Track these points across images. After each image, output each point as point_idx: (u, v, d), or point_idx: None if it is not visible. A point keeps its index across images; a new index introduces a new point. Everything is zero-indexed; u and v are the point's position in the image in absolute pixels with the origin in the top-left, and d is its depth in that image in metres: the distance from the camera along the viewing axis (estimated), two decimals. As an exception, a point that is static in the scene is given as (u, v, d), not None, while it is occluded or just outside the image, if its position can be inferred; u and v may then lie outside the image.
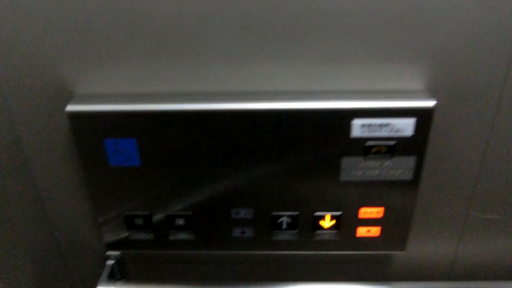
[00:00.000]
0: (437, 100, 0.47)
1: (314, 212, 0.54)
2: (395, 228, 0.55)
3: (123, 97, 0.49)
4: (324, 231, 0.56)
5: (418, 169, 0.50)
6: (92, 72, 0.48)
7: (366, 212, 0.54)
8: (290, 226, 0.56)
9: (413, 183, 0.51)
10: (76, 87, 0.49)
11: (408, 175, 0.51)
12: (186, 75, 0.48)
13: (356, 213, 0.54)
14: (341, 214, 0.54)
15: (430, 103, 0.46)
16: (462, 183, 0.55)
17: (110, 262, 0.64)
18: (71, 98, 0.49)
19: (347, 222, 0.55)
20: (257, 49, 0.46)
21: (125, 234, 0.58)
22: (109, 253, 0.64)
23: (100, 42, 0.46)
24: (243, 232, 0.57)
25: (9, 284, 0.53)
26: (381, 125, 0.47)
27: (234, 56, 0.47)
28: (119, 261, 0.65)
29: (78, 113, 0.47)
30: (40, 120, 0.51)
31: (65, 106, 0.47)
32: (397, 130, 0.47)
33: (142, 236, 0.58)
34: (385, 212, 0.54)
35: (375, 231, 0.56)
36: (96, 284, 0.60)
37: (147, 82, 0.49)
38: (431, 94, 0.47)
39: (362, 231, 0.56)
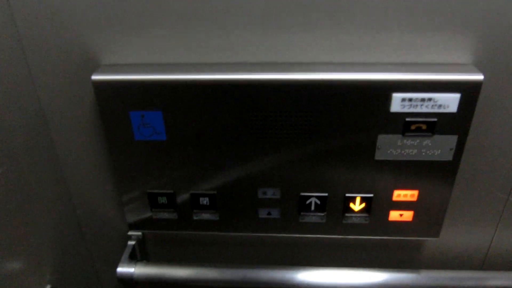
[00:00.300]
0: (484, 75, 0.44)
1: (345, 193, 0.52)
2: (430, 212, 0.53)
3: (151, 67, 0.47)
4: (354, 214, 0.53)
5: (459, 150, 0.47)
6: (119, 42, 0.46)
7: (400, 195, 0.51)
8: (319, 208, 0.53)
9: (453, 164, 0.48)
10: (102, 57, 0.47)
11: (447, 156, 0.48)
12: (214, 44, 0.46)
13: (389, 195, 0.52)
14: (373, 196, 0.52)
15: (478, 77, 0.43)
16: (503, 167, 0.52)
17: (131, 242, 0.63)
18: (97, 68, 0.47)
19: (379, 205, 0.52)
20: (290, 17, 0.43)
21: (148, 213, 0.56)
22: (130, 233, 0.62)
23: (127, 11, 0.44)
24: (269, 214, 0.55)
25: (30, 263, 0.52)
26: (423, 100, 0.44)
27: (266, 25, 0.44)
28: (141, 241, 0.63)
29: (104, 82, 0.46)
30: (65, 91, 0.50)
31: (90, 76, 0.46)
32: (440, 106, 0.44)
33: (165, 215, 0.56)
34: (420, 196, 0.51)
35: (408, 215, 0.53)
36: (117, 264, 0.59)
37: (176, 52, 0.47)
38: (477, 68, 0.44)
39: (394, 215, 0.53)
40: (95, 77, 0.46)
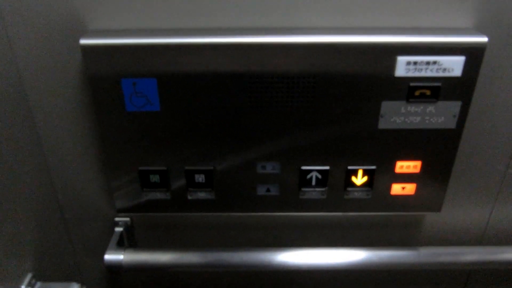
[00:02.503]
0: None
1: (347, 166, 0.50)
2: (432, 185, 0.52)
3: (143, 32, 0.44)
4: (356, 189, 0.52)
5: (462, 117, 0.46)
6: (108, 5, 0.43)
7: (403, 166, 0.50)
8: (320, 183, 0.51)
9: (456, 133, 0.48)
10: (89, 21, 0.44)
11: (451, 124, 0.47)
12: (212, 8, 0.44)
13: (392, 167, 0.50)
14: (376, 168, 0.50)
15: (482, 39, 0.42)
16: (504, 137, 0.51)
17: (118, 229, 0.59)
18: (84, 33, 0.44)
19: (381, 178, 0.51)
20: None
21: (139, 194, 0.53)
22: (117, 219, 0.59)
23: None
24: (268, 190, 0.52)
25: (9, 250, 0.48)
26: (428, 63, 0.43)
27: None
28: (129, 227, 0.59)
29: (93, 46, 0.42)
30: (46, 60, 0.46)
31: (77, 42, 0.42)
32: (445, 70, 0.43)
33: (157, 195, 0.53)
34: (422, 167, 0.50)
35: (410, 188, 0.52)
36: (103, 252, 0.55)
37: (170, 17, 0.44)
38: (481, 31, 0.44)
39: (396, 189, 0.52)
40: (83, 41, 0.43)
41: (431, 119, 0.47)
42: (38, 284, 0.53)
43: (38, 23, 0.44)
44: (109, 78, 0.44)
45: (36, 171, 0.52)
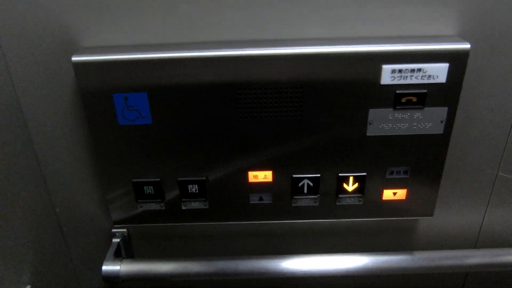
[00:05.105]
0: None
1: (337, 173, 0.51)
2: (423, 190, 0.52)
3: (133, 48, 0.45)
4: (348, 195, 0.52)
5: (450, 122, 0.47)
6: (99, 23, 0.45)
7: (393, 172, 0.51)
8: (312, 191, 0.52)
9: (444, 138, 0.48)
10: (81, 39, 0.45)
11: (439, 129, 0.48)
12: (199, 23, 0.45)
13: (382, 173, 0.51)
14: (367, 175, 0.51)
15: (465, 46, 0.43)
16: (493, 140, 0.52)
17: (116, 240, 0.60)
18: (76, 50, 0.45)
19: (372, 184, 0.52)
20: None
21: (134, 205, 0.53)
22: (114, 230, 0.60)
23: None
24: (261, 199, 0.53)
25: (8, 263, 0.49)
26: (412, 71, 0.44)
27: (252, 2, 0.43)
28: (126, 238, 0.60)
29: (85, 63, 0.44)
30: (41, 76, 0.47)
31: (69, 59, 0.44)
32: (430, 76, 0.44)
33: (152, 206, 0.53)
34: (413, 172, 0.51)
35: (401, 193, 0.52)
36: (101, 263, 0.56)
37: (159, 33, 0.45)
38: (464, 38, 0.45)
39: (388, 194, 0.52)
40: (75, 58, 0.44)
41: (419, 125, 0.47)
42: (37, 296, 0.53)
43: (32, 42, 0.45)
44: (101, 93, 0.45)
45: (33, 185, 0.53)
